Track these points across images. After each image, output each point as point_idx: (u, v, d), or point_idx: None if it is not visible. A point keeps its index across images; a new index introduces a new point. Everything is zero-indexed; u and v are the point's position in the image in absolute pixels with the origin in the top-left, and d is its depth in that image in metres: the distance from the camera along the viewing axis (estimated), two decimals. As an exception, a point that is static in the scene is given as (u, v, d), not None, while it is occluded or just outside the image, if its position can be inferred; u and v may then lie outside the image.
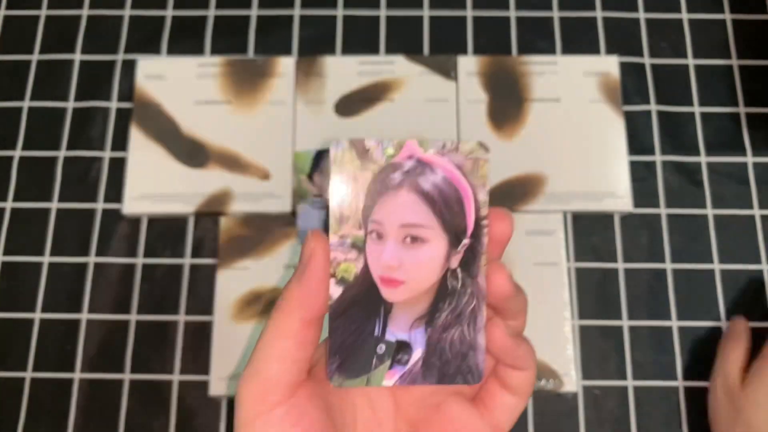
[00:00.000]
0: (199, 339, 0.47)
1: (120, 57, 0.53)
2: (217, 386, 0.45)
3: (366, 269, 0.23)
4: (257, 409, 0.22)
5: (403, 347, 0.23)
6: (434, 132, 0.50)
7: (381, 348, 0.23)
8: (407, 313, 0.23)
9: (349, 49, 0.53)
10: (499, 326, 0.23)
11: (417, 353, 0.23)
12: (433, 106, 0.51)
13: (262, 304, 0.47)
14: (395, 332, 0.23)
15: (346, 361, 0.23)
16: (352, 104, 0.51)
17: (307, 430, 0.22)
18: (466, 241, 0.23)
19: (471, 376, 0.24)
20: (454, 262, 0.23)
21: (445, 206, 0.23)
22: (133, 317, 0.47)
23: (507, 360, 0.24)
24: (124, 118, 0.51)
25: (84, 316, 0.47)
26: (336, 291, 0.23)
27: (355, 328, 0.23)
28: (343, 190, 0.23)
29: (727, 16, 0.54)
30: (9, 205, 0.50)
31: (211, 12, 0.54)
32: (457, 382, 0.24)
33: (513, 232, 0.24)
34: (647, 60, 0.53)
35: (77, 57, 0.53)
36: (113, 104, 0.52)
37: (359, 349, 0.23)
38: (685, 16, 0.54)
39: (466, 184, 0.23)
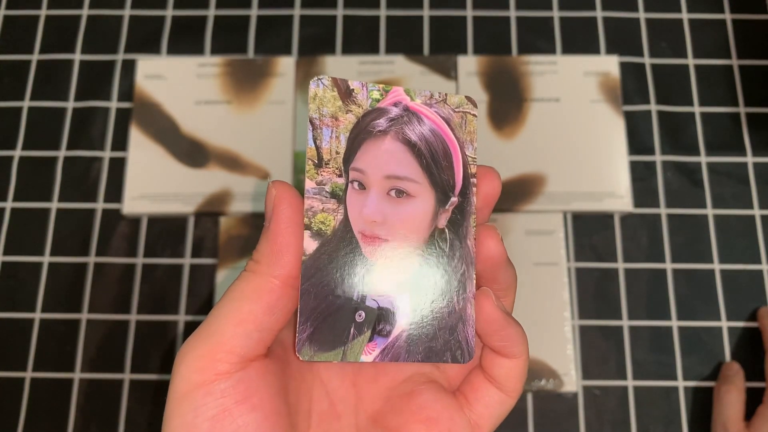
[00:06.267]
0: (199, 339, 0.47)
1: (120, 57, 0.53)
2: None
3: (346, 222, 0.20)
4: (198, 378, 0.19)
5: (386, 315, 0.20)
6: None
7: (360, 315, 0.20)
8: (391, 276, 0.21)
9: (349, 49, 0.53)
10: (488, 296, 0.21)
11: (400, 324, 0.21)
12: (433, 106, 0.51)
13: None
14: (377, 298, 0.20)
15: (319, 329, 0.20)
16: (352, 104, 0.51)
17: (256, 409, 0.19)
18: (454, 199, 0.21)
19: (460, 353, 0.21)
20: (442, 222, 0.21)
21: (433, 160, 0.21)
22: (133, 317, 0.47)
23: (495, 339, 0.21)
24: (124, 118, 0.51)
25: (84, 316, 0.47)
26: (311, 245, 0.20)
27: (331, 290, 0.20)
28: (321, 130, 0.20)
29: (727, 16, 0.54)
30: (9, 205, 0.50)
31: (211, 12, 0.54)
32: (446, 359, 0.21)
33: (500, 191, 0.22)
34: (647, 60, 0.53)
35: (77, 57, 0.53)
36: (113, 104, 0.52)
37: (335, 315, 0.20)
38: (685, 16, 0.54)
39: (454, 138, 0.21)
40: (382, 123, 0.21)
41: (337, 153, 0.21)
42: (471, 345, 0.21)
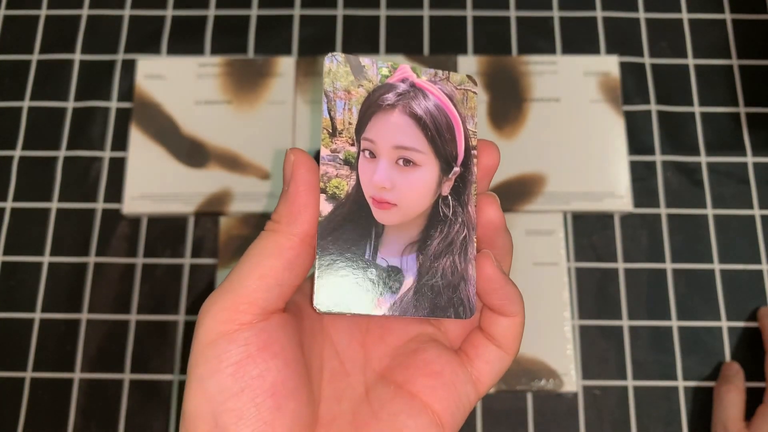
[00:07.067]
0: (199, 339, 0.47)
1: (120, 57, 0.53)
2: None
3: (358, 187, 0.22)
4: (222, 328, 0.20)
5: (394, 273, 0.22)
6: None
7: (371, 272, 0.22)
8: (399, 238, 0.22)
9: (349, 49, 0.53)
10: (489, 257, 0.22)
11: (408, 281, 0.22)
12: (433, 106, 0.51)
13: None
14: (386, 257, 0.22)
15: (334, 284, 0.22)
16: (352, 104, 0.51)
17: (277, 356, 0.20)
18: (456, 169, 0.23)
19: (462, 309, 0.22)
20: (446, 189, 0.23)
21: (437, 132, 0.23)
22: (133, 317, 0.47)
23: (494, 298, 0.22)
24: (124, 118, 0.51)
25: (84, 316, 0.47)
26: (326, 207, 0.22)
27: (345, 248, 0.22)
28: (335, 102, 0.22)
29: (727, 16, 0.54)
30: (9, 205, 0.50)
31: (211, 12, 0.54)
32: (449, 315, 0.22)
33: (500, 162, 0.24)
34: (647, 60, 0.53)
35: (77, 57, 0.53)
36: (113, 104, 0.52)
37: (349, 272, 0.22)
38: (685, 16, 0.54)
39: (456, 113, 0.23)
40: (390, 97, 0.23)
41: (350, 123, 0.22)
42: (472, 302, 0.23)
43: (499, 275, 0.22)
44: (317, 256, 0.21)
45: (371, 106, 0.22)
